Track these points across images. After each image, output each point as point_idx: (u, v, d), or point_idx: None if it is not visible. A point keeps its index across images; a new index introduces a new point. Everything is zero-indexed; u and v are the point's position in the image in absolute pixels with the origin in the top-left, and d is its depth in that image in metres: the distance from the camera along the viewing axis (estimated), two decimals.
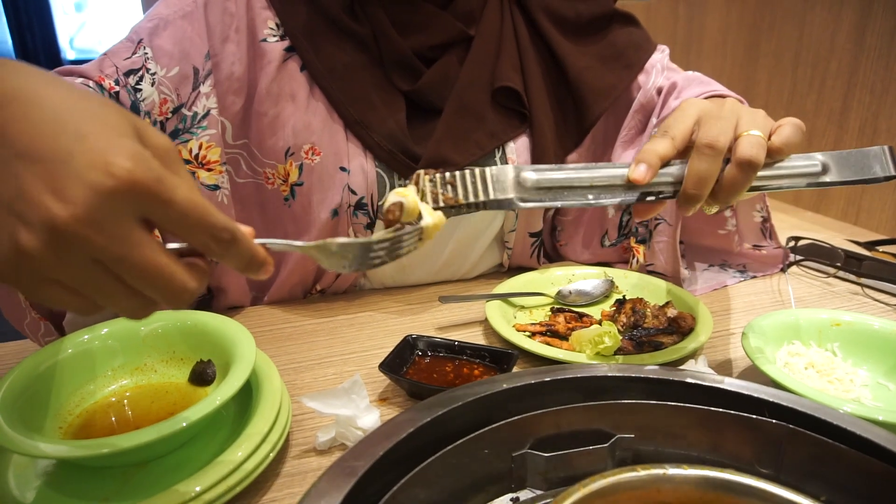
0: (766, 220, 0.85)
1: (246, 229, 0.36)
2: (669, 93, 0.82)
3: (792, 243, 0.92)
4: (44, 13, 6.93)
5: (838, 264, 0.86)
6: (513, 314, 0.74)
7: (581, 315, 0.72)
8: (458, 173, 0.47)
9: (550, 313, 0.73)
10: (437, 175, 0.46)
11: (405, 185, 0.46)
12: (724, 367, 0.64)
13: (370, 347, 0.69)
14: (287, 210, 0.78)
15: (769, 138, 0.51)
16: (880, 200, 1.20)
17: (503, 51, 0.80)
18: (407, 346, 0.63)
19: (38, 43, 6.56)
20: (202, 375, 0.54)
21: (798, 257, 0.90)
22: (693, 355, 0.62)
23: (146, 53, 0.71)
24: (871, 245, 0.98)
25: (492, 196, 0.47)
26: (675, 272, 0.80)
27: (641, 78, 0.85)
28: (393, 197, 0.43)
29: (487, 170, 0.48)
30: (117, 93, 0.69)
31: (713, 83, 0.81)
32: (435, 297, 0.79)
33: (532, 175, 0.48)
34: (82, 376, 0.53)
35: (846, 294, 0.82)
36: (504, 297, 0.75)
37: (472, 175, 0.47)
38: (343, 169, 0.75)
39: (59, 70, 0.68)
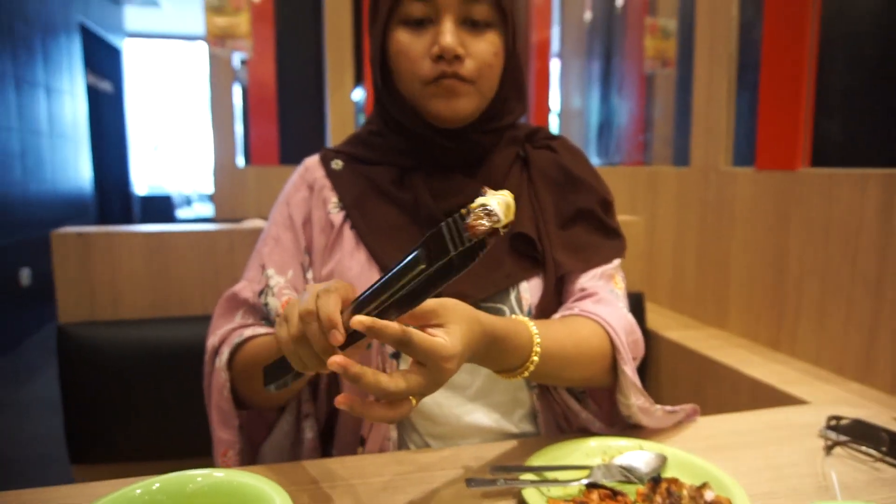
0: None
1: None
2: (588, 296, 0.92)
3: (834, 422, 0.90)
4: (123, 153, 7.68)
5: (883, 448, 0.83)
6: (547, 488, 0.73)
7: (615, 493, 0.71)
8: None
9: (584, 489, 0.72)
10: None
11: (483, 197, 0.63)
12: None
13: None
14: None
15: None
16: None
17: (520, 205, 0.93)
18: None
19: (112, 179, 7.22)
20: None
21: (842, 437, 0.88)
22: None
23: (268, 275, 0.93)
24: None
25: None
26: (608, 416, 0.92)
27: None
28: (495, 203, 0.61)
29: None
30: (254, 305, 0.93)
31: (615, 309, 0.90)
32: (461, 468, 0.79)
33: None
34: None
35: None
36: (536, 483, 0.74)
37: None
38: None
39: (230, 304, 0.94)
